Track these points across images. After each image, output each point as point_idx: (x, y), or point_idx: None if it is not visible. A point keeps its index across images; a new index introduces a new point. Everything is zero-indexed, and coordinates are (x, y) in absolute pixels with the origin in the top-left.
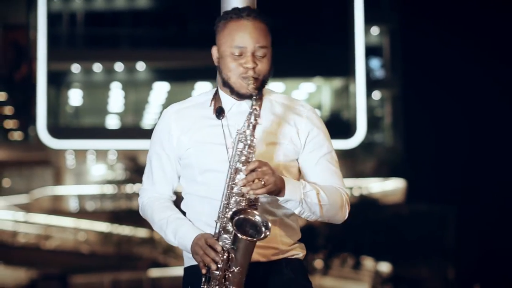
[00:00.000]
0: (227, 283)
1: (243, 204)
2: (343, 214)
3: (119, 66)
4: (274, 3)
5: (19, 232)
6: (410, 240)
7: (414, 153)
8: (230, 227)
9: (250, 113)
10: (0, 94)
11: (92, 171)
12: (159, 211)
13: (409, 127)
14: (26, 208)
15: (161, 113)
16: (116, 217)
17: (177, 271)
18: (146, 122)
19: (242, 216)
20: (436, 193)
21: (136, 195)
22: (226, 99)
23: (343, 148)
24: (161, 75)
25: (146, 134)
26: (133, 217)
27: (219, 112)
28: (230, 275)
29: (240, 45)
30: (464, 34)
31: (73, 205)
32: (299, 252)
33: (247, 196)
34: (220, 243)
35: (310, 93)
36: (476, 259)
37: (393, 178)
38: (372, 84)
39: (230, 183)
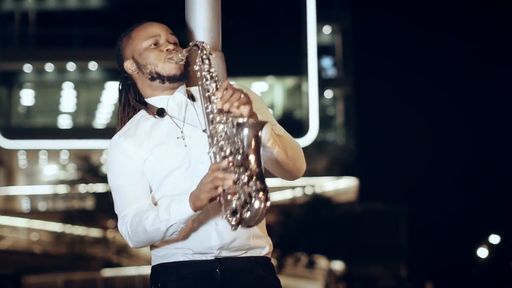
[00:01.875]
0: (250, 183)
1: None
2: (302, 162)
3: (71, 66)
4: (226, 2)
5: None
6: (363, 239)
7: (366, 151)
8: (223, 129)
9: (201, 49)
10: None
11: (44, 171)
12: (147, 210)
13: (361, 125)
14: None
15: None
16: (68, 217)
17: (130, 271)
18: (99, 121)
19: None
20: (389, 191)
21: (89, 194)
22: (159, 100)
23: None
24: (114, 74)
25: (99, 133)
26: (86, 217)
27: (160, 112)
28: (248, 172)
29: (153, 34)
30: (415, 32)
31: (25, 205)
32: (266, 248)
33: (230, 120)
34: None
35: (262, 92)
36: (428, 257)
37: (346, 177)
38: (324, 83)
39: (209, 113)
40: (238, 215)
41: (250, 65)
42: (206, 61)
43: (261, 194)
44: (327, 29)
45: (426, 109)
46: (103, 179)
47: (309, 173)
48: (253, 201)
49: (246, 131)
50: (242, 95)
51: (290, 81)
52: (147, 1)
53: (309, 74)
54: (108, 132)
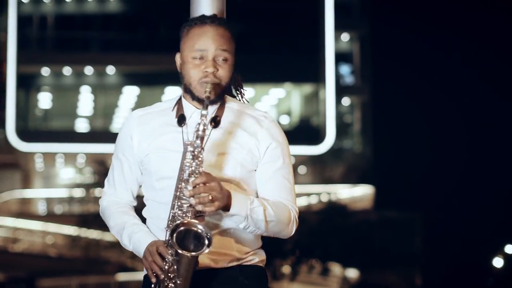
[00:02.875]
0: None
1: (189, 214)
2: (289, 231)
3: (89, 70)
4: (245, 10)
5: None
6: (378, 247)
7: (383, 159)
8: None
9: (199, 124)
10: None
11: (60, 174)
12: (117, 215)
13: (378, 133)
14: None
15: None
16: (84, 220)
17: None
18: (115, 126)
19: (184, 228)
20: (404, 199)
21: None
22: (188, 107)
23: (312, 154)
24: (131, 79)
25: (115, 138)
26: (101, 221)
27: (180, 120)
28: (171, 285)
29: (200, 48)
30: (433, 40)
31: (41, 208)
32: (255, 258)
33: (195, 208)
34: (170, 251)
35: (279, 99)
36: (443, 266)
37: (362, 185)
38: (341, 90)
39: (178, 194)
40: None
41: (267, 72)
42: (199, 139)
43: None
44: (345, 37)
45: (443, 117)
46: None
47: (325, 180)
48: None
49: (183, 257)
50: (212, 196)
51: (307, 88)
52: (165, 5)
53: (327, 81)
54: None
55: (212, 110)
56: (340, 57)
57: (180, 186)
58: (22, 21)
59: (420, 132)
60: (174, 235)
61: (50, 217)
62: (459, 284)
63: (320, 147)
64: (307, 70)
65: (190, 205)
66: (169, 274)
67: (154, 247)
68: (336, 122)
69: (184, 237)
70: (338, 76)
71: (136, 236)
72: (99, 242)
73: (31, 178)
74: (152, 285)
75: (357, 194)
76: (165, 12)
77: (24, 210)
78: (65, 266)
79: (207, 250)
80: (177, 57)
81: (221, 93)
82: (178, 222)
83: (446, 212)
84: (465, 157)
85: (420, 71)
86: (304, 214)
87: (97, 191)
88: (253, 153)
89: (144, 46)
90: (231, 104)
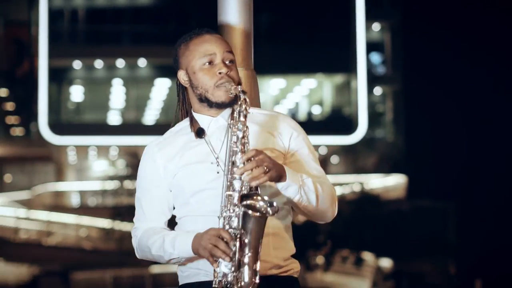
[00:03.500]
0: (241, 269)
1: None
2: (333, 210)
3: (120, 63)
4: (276, 0)
5: (20, 228)
6: (411, 236)
7: (415, 148)
8: (235, 215)
9: (240, 104)
10: (2, 90)
11: (93, 167)
12: (155, 233)
13: (410, 122)
14: (27, 204)
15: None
16: (117, 213)
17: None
18: (148, 118)
19: (248, 201)
20: (437, 188)
21: None
22: (203, 119)
23: (344, 144)
24: (163, 71)
25: (147, 130)
26: (134, 214)
27: (199, 132)
28: (244, 259)
29: (209, 52)
30: (464, 31)
31: (74, 201)
32: (292, 267)
33: (248, 186)
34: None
35: (311, 89)
36: (477, 254)
37: (394, 174)
38: (373, 80)
39: (229, 177)
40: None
41: (299, 62)
42: (241, 118)
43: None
44: (376, 26)
45: (475, 106)
46: None
47: (357, 170)
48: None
49: (250, 223)
50: (265, 166)
51: (339, 78)
52: None
53: (358, 71)
54: (157, 129)
55: (227, 115)
56: (372, 47)
57: (229, 168)
58: (53, 15)
59: (452, 120)
60: (242, 202)
61: (84, 209)
62: (493, 272)
63: (352, 137)
64: (339, 60)
65: (243, 185)
66: (236, 252)
67: (210, 232)
68: (368, 111)
69: (248, 209)
70: (369, 66)
71: (179, 239)
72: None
73: (64, 171)
74: (214, 273)
75: (389, 183)
76: (195, 3)
77: (57, 203)
78: (99, 259)
79: (277, 209)
80: (180, 75)
81: (235, 99)
82: (244, 194)
83: (479, 200)
84: (498, 144)
85: (452, 60)
86: (338, 205)
87: (129, 184)
88: (279, 148)
89: (175, 38)
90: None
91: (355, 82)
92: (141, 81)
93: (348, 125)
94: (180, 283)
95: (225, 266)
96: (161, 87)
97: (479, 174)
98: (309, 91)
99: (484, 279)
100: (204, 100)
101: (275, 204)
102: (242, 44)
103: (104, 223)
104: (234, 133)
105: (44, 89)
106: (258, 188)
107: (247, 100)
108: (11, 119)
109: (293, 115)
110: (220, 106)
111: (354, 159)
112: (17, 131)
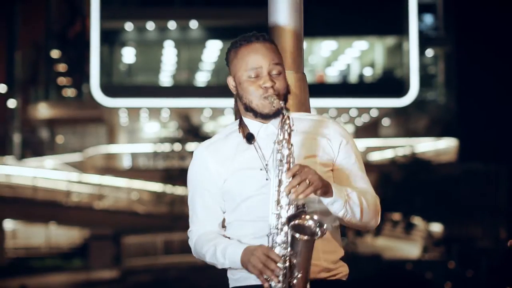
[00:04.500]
0: None
1: (293, 211)
2: (376, 220)
3: (172, 25)
4: None
5: (72, 192)
6: (462, 200)
7: (467, 111)
8: (284, 235)
9: (284, 122)
10: (54, 52)
11: (145, 129)
12: (207, 242)
13: (462, 85)
14: (79, 166)
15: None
16: (168, 176)
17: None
18: (199, 80)
19: (296, 221)
20: (489, 152)
21: (189, 154)
22: (252, 124)
23: (395, 106)
24: (214, 33)
25: (199, 92)
26: (186, 177)
27: (249, 138)
28: (294, 281)
29: (255, 66)
30: None
31: (126, 164)
32: (341, 270)
33: (295, 203)
34: (280, 251)
35: (362, 51)
36: None
37: (446, 138)
38: (425, 42)
39: (276, 196)
40: None
41: (351, 24)
42: (285, 136)
43: None
44: None
45: None
46: (203, 139)
47: (409, 133)
48: None
49: (301, 245)
50: (309, 180)
51: (390, 40)
52: None
53: (410, 33)
54: (208, 91)
55: (276, 123)
56: (424, 8)
57: (276, 188)
58: None
59: (505, 82)
60: (290, 224)
61: (135, 172)
62: None
63: (404, 100)
64: (391, 22)
65: (290, 203)
66: (286, 273)
67: (260, 251)
68: (419, 73)
69: (296, 229)
70: (421, 28)
71: (230, 248)
72: (184, 198)
73: (116, 133)
74: None
75: (441, 147)
76: None
77: (109, 166)
78: (150, 222)
79: (325, 231)
80: (229, 80)
81: (280, 110)
82: (292, 214)
83: None
84: None
85: (506, 20)
86: (388, 168)
87: (181, 146)
88: (328, 153)
89: (226, 0)
90: (290, 114)
91: (407, 44)
92: (193, 43)
93: (400, 88)
94: (230, 286)
95: (275, 285)
96: (213, 49)
97: None
98: (360, 53)
99: None
100: (249, 110)
101: (324, 225)
102: (292, 46)
103: (156, 186)
104: (279, 151)
105: (96, 51)
106: (305, 206)
107: (290, 117)
108: (63, 81)
109: (344, 77)
110: (265, 117)
111: (405, 122)
112: (69, 92)
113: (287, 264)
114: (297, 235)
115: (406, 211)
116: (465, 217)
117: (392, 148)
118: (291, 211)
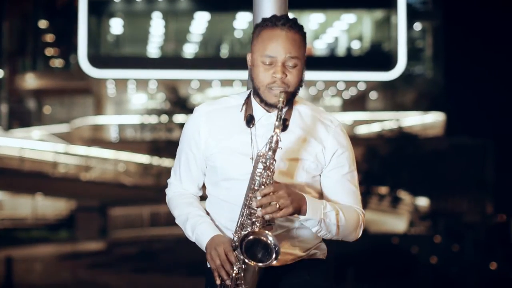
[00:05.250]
0: None
1: (258, 224)
2: (356, 235)
3: None
4: None
5: (59, 163)
6: (449, 174)
7: (455, 85)
8: (239, 252)
9: (272, 136)
10: (42, 22)
11: (132, 100)
12: (182, 206)
13: (449, 59)
14: (66, 137)
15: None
16: (155, 148)
17: None
18: (187, 51)
19: (253, 237)
20: (476, 126)
21: (176, 126)
22: (257, 108)
23: (383, 80)
24: (202, 4)
25: (187, 63)
26: (173, 149)
27: (249, 121)
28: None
29: (270, 54)
30: None
31: (113, 135)
32: (316, 252)
33: (263, 217)
34: (237, 259)
35: (350, 24)
36: None
37: (433, 112)
38: (413, 15)
39: (248, 203)
40: None
41: None
42: (270, 153)
43: None
44: None
45: None
46: (190, 111)
47: (396, 106)
48: None
49: (251, 269)
50: (280, 204)
51: (379, 14)
52: None
53: (398, 6)
54: (196, 63)
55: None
56: None
57: (250, 195)
58: None
59: (492, 56)
60: (243, 244)
61: (122, 144)
62: None
63: (392, 73)
64: None
65: (258, 216)
66: (237, 281)
67: (222, 249)
68: (407, 47)
69: (252, 245)
70: (409, 1)
71: (199, 228)
72: (171, 170)
73: (103, 104)
74: (218, 286)
75: (428, 121)
76: None
77: (96, 137)
78: (136, 194)
79: (274, 262)
80: (248, 57)
81: (290, 99)
82: (248, 231)
83: None
84: None
85: None
86: (375, 141)
87: (168, 118)
88: (319, 160)
89: None
90: (299, 107)
91: (395, 18)
92: (181, 14)
93: (387, 61)
94: (207, 266)
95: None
96: (201, 20)
97: None
98: (348, 26)
99: None
100: (256, 94)
101: (273, 254)
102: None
103: (142, 158)
104: (261, 162)
105: (83, 22)
106: (275, 219)
107: (279, 136)
108: (50, 51)
109: (332, 50)
110: (270, 106)
111: (392, 96)
112: (57, 63)
113: (235, 274)
114: (248, 261)
115: (392, 185)
116: (452, 191)
117: (379, 121)
118: (258, 223)
